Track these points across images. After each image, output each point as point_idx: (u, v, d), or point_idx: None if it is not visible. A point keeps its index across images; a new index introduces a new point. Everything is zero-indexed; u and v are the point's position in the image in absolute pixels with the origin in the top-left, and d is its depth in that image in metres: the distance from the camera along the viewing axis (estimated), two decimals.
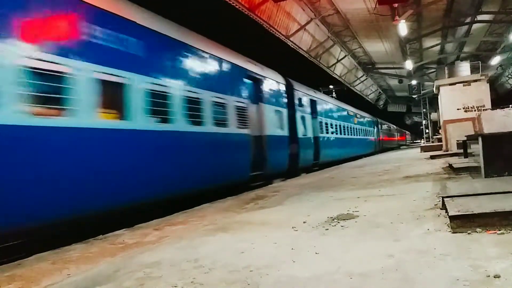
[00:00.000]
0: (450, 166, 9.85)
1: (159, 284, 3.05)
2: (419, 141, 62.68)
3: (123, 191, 6.38)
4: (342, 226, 4.46)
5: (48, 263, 3.98)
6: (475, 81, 19.52)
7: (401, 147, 52.38)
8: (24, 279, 3.48)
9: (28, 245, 5.10)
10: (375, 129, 36.32)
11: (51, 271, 3.67)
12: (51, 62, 5.19)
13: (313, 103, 17.51)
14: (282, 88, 13.81)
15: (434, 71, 27.59)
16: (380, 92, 43.72)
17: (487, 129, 6.71)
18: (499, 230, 3.51)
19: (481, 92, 19.19)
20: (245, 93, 10.69)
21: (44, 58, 5.11)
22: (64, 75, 5.37)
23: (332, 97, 31.40)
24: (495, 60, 24.08)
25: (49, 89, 5.18)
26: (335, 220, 4.79)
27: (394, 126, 54.50)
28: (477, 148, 7.29)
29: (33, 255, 4.30)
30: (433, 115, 33.57)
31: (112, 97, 6.30)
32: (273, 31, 17.30)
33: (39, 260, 4.09)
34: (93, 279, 3.32)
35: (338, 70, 28.10)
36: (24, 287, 3.30)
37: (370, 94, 41.97)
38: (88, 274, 3.50)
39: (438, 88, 20.87)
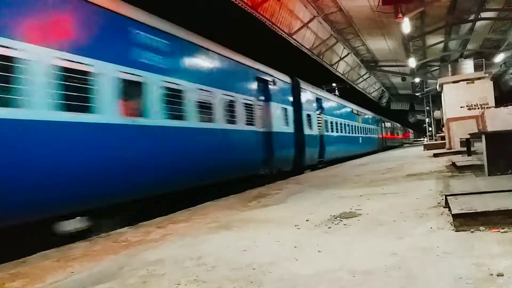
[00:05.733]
0: (453, 164, 9.82)
1: (162, 282, 3.06)
2: (422, 139, 62.50)
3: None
4: (345, 224, 4.46)
5: (52, 260, 4.00)
6: (479, 78, 19.42)
7: (404, 145, 52.24)
8: (28, 277, 3.50)
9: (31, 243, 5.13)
10: (379, 127, 36.03)
11: (55, 269, 3.69)
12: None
13: (318, 101, 17.58)
14: (288, 87, 14.15)
15: (438, 69, 27.46)
16: (383, 90, 43.59)
17: (491, 127, 6.67)
18: (503, 229, 3.50)
19: (485, 90, 19.10)
20: (253, 92, 11.25)
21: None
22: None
23: (335, 95, 31.26)
24: (499, 58, 23.93)
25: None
26: (338, 218, 4.79)
27: (397, 124, 54.29)
28: (480, 146, 7.26)
29: (37, 252, 4.33)
30: (437, 113, 33.38)
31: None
32: (275, 29, 17.27)
33: (43, 258, 4.12)
34: (96, 276, 3.34)
35: (341, 68, 28.02)
36: (29, 284, 3.32)
37: (373, 92, 41.84)
38: (91, 271, 3.51)
39: (441, 86, 20.77)
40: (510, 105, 7.29)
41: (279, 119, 12.77)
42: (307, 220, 4.84)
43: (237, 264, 3.30)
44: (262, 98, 11.80)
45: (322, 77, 31.40)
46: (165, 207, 6.90)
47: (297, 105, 14.62)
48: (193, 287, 2.91)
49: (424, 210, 4.75)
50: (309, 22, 18.96)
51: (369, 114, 31.99)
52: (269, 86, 12.27)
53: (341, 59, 26.08)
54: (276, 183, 10.90)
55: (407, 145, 54.21)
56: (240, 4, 14.38)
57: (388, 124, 43.65)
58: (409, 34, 18.74)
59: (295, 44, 19.60)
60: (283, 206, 6.35)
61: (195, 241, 4.33)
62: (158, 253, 3.92)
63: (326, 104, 18.90)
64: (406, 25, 15.82)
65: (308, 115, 15.73)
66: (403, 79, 32.47)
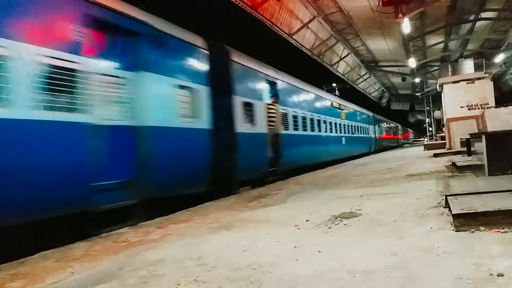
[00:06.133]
0: (454, 164, 9.82)
1: (162, 282, 3.06)
2: (422, 139, 62.52)
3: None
4: (345, 225, 4.46)
5: (52, 261, 4.00)
6: (479, 78, 19.48)
7: (404, 145, 52.15)
8: (28, 277, 3.50)
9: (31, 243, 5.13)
10: (372, 126, 32.29)
11: (55, 269, 3.69)
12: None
13: (272, 86, 12.69)
14: (200, 55, 8.63)
15: (438, 69, 27.46)
16: (383, 90, 43.60)
17: (491, 127, 6.69)
18: (503, 229, 3.50)
19: (485, 90, 19.15)
20: (92, 47, 5.87)
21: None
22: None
23: (335, 95, 30.89)
24: (499, 58, 23.93)
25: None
26: (338, 218, 4.79)
27: (396, 124, 53.81)
28: (480, 146, 7.26)
29: (37, 253, 4.33)
30: (437, 113, 33.39)
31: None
32: (275, 29, 17.28)
33: (43, 258, 4.12)
34: (96, 276, 3.34)
35: (341, 68, 28.03)
36: (28, 284, 3.32)
37: (373, 92, 41.86)
38: (91, 272, 3.51)
39: (441, 86, 20.81)
40: (510, 105, 7.31)
41: (172, 105, 7.50)
42: (307, 220, 4.83)
43: (237, 264, 3.30)
44: (122, 64, 6.51)
45: (322, 77, 31.49)
46: (165, 207, 6.89)
47: (222, 87, 9.43)
48: (193, 287, 2.91)
49: (424, 210, 4.75)
50: (309, 22, 18.97)
51: (358, 110, 27.76)
52: (143, 44, 6.88)
53: (341, 59, 26.09)
54: (276, 183, 10.90)
55: (407, 145, 54.25)
56: (240, 4, 14.39)
57: (384, 123, 41.32)
58: (409, 34, 18.73)
59: (295, 44, 19.61)
60: (283, 206, 6.35)
61: (195, 241, 4.33)
62: (158, 253, 3.91)
63: (285, 92, 13.78)
64: (406, 25, 15.82)
65: (247, 104, 10.64)
66: (403, 79, 32.47)
